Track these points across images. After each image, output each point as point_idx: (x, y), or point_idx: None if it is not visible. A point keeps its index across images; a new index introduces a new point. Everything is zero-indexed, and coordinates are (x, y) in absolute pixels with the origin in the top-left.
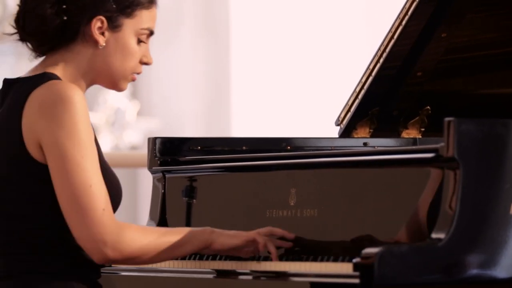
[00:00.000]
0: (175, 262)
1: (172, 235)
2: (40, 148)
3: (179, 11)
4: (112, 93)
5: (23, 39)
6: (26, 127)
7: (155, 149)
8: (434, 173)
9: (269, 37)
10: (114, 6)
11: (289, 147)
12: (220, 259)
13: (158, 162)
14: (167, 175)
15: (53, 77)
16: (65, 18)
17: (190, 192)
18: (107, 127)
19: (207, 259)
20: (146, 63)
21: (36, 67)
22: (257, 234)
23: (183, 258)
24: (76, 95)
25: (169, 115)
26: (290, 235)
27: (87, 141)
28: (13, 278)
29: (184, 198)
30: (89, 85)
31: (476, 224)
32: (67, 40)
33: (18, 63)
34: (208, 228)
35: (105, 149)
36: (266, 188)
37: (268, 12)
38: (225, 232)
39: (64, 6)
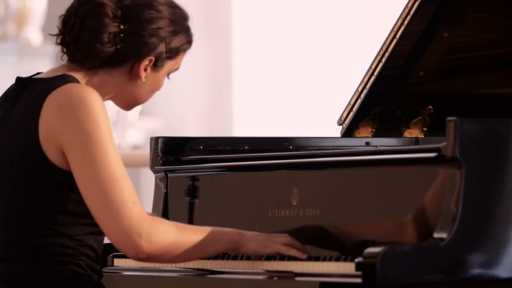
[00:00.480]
0: None
1: (202, 233)
2: (60, 150)
3: None
4: None
5: (66, 46)
6: (44, 129)
7: (157, 149)
8: (436, 172)
9: (271, 37)
10: (165, 50)
11: (291, 147)
12: (222, 258)
13: (161, 161)
14: (169, 175)
15: (71, 80)
16: (119, 47)
17: (192, 191)
18: None
19: (209, 258)
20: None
21: (58, 69)
22: (286, 248)
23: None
24: (95, 97)
25: (172, 115)
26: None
27: (108, 140)
28: (16, 283)
29: (186, 198)
30: (104, 100)
31: (479, 224)
32: (111, 65)
33: (19, 62)
34: (235, 230)
35: None
36: (268, 188)
37: (270, 13)
38: (254, 237)
39: (122, 35)
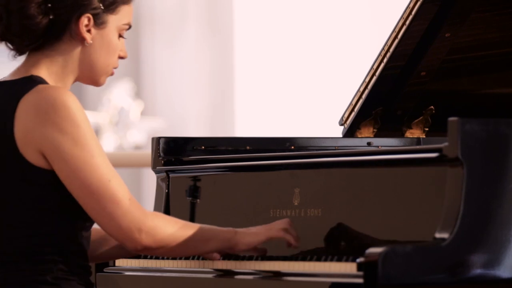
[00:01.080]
0: (179, 261)
1: (198, 230)
2: (39, 153)
3: (183, 11)
4: (116, 93)
5: (4, 38)
6: (20, 133)
7: (159, 149)
8: (438, 173)
9: (272, 37)
10: (100, 3)
11: (292, 147)
12: (224, 259)
13: (162, 162)
14: (171, 175)
15: (41, 80)
16: (51, 17)
17: (194, 191)
18: (111, 127)
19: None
20: (122, 57)
21: (19, 69)
22: (280, 231)
23: (187, 258)
24: (70, 98)
25: (173, 115)
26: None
27: (92, 141)
28: (8, 285)
29: (188, 198)
30: (72, 83)
31: (480, 224)
32: (53, 39)
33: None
34: (231, 229)
35: (109, 148)
36: (270, 188)
37: (272, 13)
38: (248, 231)
39: (50, 5)
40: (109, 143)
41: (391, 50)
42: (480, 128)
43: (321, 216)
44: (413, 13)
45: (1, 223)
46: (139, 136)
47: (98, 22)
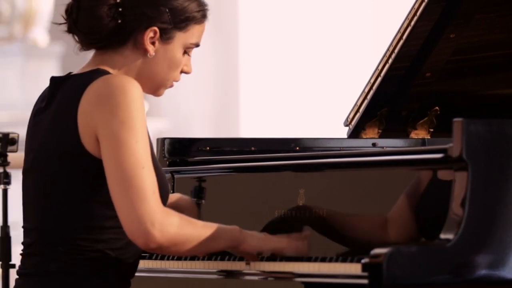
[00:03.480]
0: (183, 262)
1: (208, 229)
2: (96, 140)
3: None
4: None
5: (71, 31)
6: (82, 121)
7: (164, 150)
8: (443, 173)
9: (277, 38)
10: (170, 18)
11: (297, 148)
12: (228, 259)
13: (167, 162)
14: (176, 176)
15: (107, 72)
16: (119, 21)
17: (198, 192)
18: None
19: (215, 259)
20: (186, 72)
21: (87, 65)
22: (286, 243)
23: (192, 258)
24: (134, 86)
25: (178, 116)
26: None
27: (140, 128)
28: (46, 278)
29: (192, 199)
30: None
31: (485, 225)
32: (117, 42)
33: (26, 63)
34: (236, 227)
35: None
36: (274, 189)
37: (277, 13)
38: (254, 234)
39: (121, 9)
40: None
41: (396, 51)
42: (484, 129)
43: (325, 217)
44: (418, 14)
45: (52, 214)
46: None
47: (165, 36)
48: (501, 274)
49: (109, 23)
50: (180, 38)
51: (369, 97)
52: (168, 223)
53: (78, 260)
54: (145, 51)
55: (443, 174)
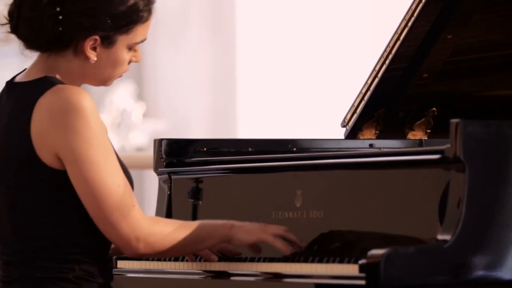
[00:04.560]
0: (181, 263)
1: (197, 229)
2: (55, 156)
3: (185, 13)
4: (118, 94)
5: (13, 32)
6: (36, 134)
7: (161, 151)
8: (440, 174)
9: (275, 39)
10: (111, 25)
11: (295, 149)
12: (226, 260)
13: (164, 163)
14: (173, 177)
15: (54, 81)
16: (60, 29)
17: (196, 193)
18: (113, 129)
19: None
20: (135, 62)
21: (31, 69)
22: (272, 237)
23: (196, 259)
24: (85, 99)
25: (175, 117)
26: (299, 245)
27: (105, 144)
28: (23, 282)
29: (190, 200)
30: (80, 85)
31: (482, 226)
32: (60, 48)
33: (23, 65)
34: (228, 223)
35: None
36: (272, 190)
37: (274, 14)
38: (245, 227)
39: (61, 17)
40: None
41: (393, 51)
42: (482, 130)
43: (323, 218)
44: (415, 14)
45: (21, 224)
46: (141, 137)
47: (106, 42)
48: (498, 275)
49: (49, 32)
50: (124, 40)
51: (366, 98)
52: (153, 235)
53: (57, 266)
54: (85, 58)
55: (440, 175)
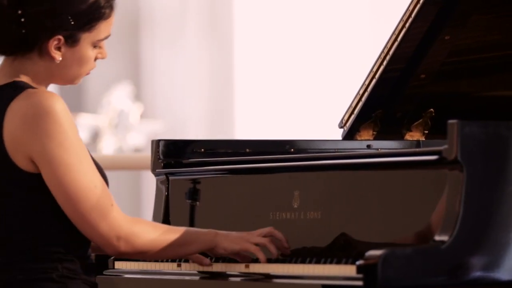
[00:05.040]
0: (179, 264)
1: (179, 233)
2: (29, 160)
3: (183, 14)
4: (115, 95)
5: None
6: (9, 138)
7: (158, 152)
8: (438, 175)
9: (273, 40)
10: (73, 24)
11: (292, 150)
12: (223, 261)
13: (162, 164)
14: (170, 178)
15: (24, 85)
16: (23, 31)
17: (193, 194)
18: (110, 130)
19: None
20: (101, 58)
21: (0, 73)
22: (253, 246)
23: (186, 261)
24: (57, 103)
25: (173, 118)
26: (286, 246)
27: (79, 146)
28: (12, 285)
29: (187, 201)
30: (47, 86)
31: (480, 226)
32: (24, 51)
33: None
34: (212, 231)
35: (108, 151)
36: (269, 191)
37: (272, 16)
38: (229, 236)
39: (23, 20)
40: (108, 146)
41: (390, 52)
42: (479, 131)
43: (320, 219)
44: (413, 15)
45: (3, 227)
46: (138, 138)
47: (70, 41)
48: (496, 275)
49: (13, 35)
50: (87, 38)
51: (363, 99)
52: (133, 234)
53: (40, 266)
54: (51, 59)
55: (438, 176)
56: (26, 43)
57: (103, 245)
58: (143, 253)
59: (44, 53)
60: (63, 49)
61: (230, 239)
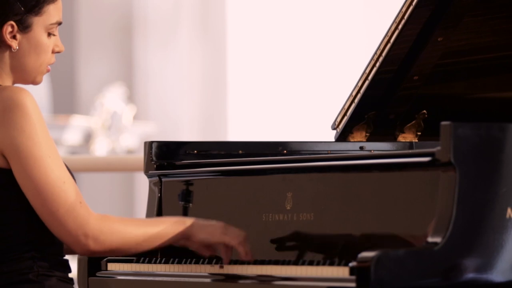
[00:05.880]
0: (171, 266)
1: (151, 226)
2: (1, 155)
3: (176, 16)
4: (108, 97)
5: None
6: None
7: (151, 153)
8: (431, 177)
9: (265, 42)
10: (22, 8)
11: (285, 151)
12: (216, 263)
13: (155, 166)
14: (163, 179)
15: None
16: None
17: (186, 196)
18: (103, 131)
19: (202, 263)
20: (58, 52)
21: None
22: (234, 241)
23: (179, 262)
24: (27, 97)
25: (166, 119)
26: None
27: (48, 141)
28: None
29: (180, 202)
30: (12, 84)
31: (473, 228)
32: None
33: None
34: (188, 220)
35: (101, 153)
36: (262, 192)
37: (265, 17)
38: (206, 227)
39: None
40: (101, 147)
41: (383, 54)
42: (472, 132)
43: (313, 220)
44: (405, 17)
45: None
46: (131, 140)
47: (22, 27)
48: (488, 277)
49: None
50: (39, 23)
51: (356, 100)
52: (101, 231)
53: (15, 268)
54: (7, 47)
55: (430, 178)
56: None
57: (71, 243)
58: (115, 251)
59: (1, 44)
60: (18, 36)
61: (207, 231)
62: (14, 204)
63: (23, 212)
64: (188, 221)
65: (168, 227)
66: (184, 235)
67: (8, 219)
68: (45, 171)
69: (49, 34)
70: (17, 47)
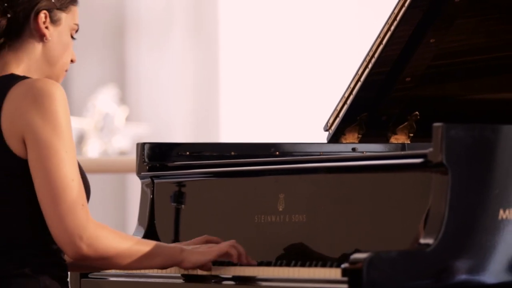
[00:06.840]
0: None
1: (144, 245)
2: (22, 142)
3: (168, 17)
4: (101, 98)
5: None
6: (7, 123)
7: (143, 155)
8: (423, 178)
9: (258, 43)
10: (53, 1)
11: (277, 153)
12: (213, 264)
13: (147, 167)
14: (155, 181)
15: (22, 77)
16: (9, 16)
17: (178, 197)
18: (95, 133)
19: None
20: (72, 61)
21: None
22: (228, 246)
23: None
24: (58, 90)
25: (158, 121)
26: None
27: (70, 137)
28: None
29: (172, 204)
30: None
31: (465, 230)
32: (14, 37)
33: None
34: (177, 246)
35: (93, 154)
36: (254, 194)
37: (258, 18)
38: (195, 250)
39: (6, 4)
40: (93, 149)
41: (376, 55)
42: (465, 134)
43: (305, 222)
44: (398, 18)
45: None
46: (124, 141)
47: (54, 19)
48: (481, 279)
49: (0, 21)
50: (66, 20)
51: (349, 102)
52: (97, 238)
53: (12, 262)
54: (41, 37)
55: (423, 179)
56: (16, 27)
57: (65, 244)
58: (105, 259)
59: (34, 33)
60: (50, 27)
61: (198, 252)
62: (21, 196)
63: (29, 206)
64: (178, 247)
65: (159, 249)
66: (175, 260)
67: (12, 209)
68: (58, 163)
69: (72, 36)
70: (50, 38)
